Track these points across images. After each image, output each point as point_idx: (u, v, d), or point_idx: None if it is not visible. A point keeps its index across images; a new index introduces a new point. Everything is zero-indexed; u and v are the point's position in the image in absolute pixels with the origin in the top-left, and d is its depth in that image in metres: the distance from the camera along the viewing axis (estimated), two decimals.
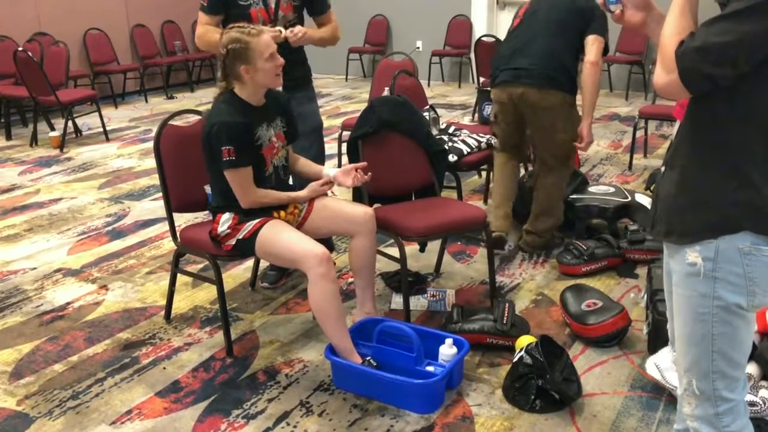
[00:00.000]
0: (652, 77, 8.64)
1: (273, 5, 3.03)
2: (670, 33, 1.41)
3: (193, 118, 3.08)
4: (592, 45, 3.35)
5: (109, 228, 4.24)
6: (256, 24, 2.90)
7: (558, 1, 3.44)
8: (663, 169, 1.59)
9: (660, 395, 2.45)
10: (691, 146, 1.48)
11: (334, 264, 3.21)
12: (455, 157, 3.90)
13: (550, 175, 3.58)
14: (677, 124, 1.61)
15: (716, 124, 1.42)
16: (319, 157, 3.20)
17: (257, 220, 2.56)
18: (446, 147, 3.84)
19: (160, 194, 3.33)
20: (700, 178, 1.46)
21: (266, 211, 2.61)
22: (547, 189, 3.60)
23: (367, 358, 2.50)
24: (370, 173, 2.77)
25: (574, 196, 3.92)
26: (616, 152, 5.76)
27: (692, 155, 1.48)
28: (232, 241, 2.58)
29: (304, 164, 2.87)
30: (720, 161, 1.43)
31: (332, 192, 2.85)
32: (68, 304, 3.23)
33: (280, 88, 2.76)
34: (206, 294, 3.29)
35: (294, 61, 2.99)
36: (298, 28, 2.93)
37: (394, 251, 2.97)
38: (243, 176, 2.52)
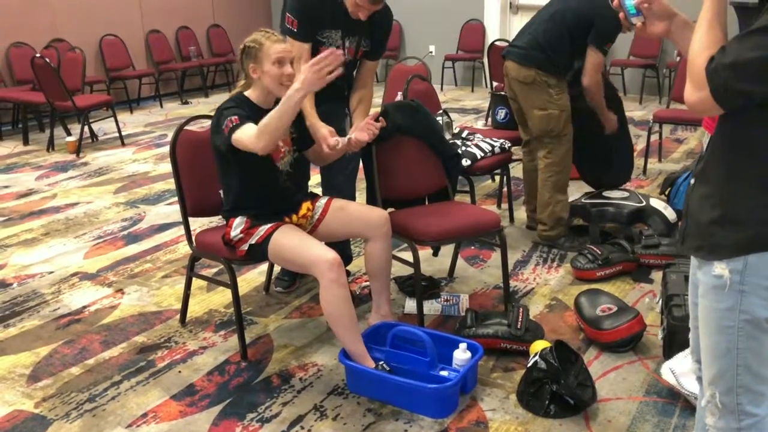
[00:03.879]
0: (666, 81, 8.56)
1: (352, 48, 2.98)
2: (699, 48, 1.36)
3: (208, 123, 3.09)
4: (589, 65, 3.59)
5: (125, 232, 4.27)
6: None
7: (570, 3, 3.64)
8: (693, 181, 1.54)
9: (675, 401, 2.43)
10: (723, 161, 1.44)
11: (348, 271, 3.23)
12: (468, 162, 3.90)
13: (547, 162, 3.71)
14: (707, 136, 1.56)
15: (749, 139, 1.38)
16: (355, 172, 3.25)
17: (269, 225, 2.57)
18: (459, 151, 3.84)
19: (176, 198, 3.36)
20: (732, 194, 1.42)
21: (278, 216, 2.63)
22: (544, 179, 3.73)
23: (381, 363, 2.50)
24: (381, 118, 2.85)
25: (588, 201, 3.91)
26: None
27: (723, 170, 1.43)
28: (245, 246, 2.59)
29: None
30: (752, 177, 1.39)
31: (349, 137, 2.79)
32: (85, 307, 3.26)
33: None
34: (221, 298, 3.31)
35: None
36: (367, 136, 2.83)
37: (408, 255, 2.97)
38: (248, 130, 2.40)
